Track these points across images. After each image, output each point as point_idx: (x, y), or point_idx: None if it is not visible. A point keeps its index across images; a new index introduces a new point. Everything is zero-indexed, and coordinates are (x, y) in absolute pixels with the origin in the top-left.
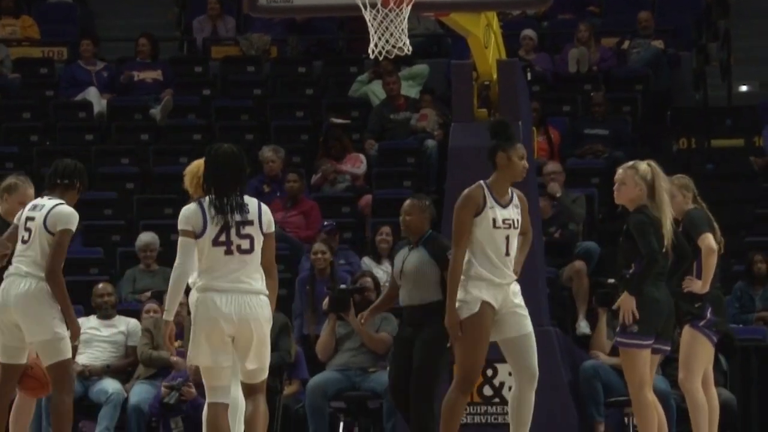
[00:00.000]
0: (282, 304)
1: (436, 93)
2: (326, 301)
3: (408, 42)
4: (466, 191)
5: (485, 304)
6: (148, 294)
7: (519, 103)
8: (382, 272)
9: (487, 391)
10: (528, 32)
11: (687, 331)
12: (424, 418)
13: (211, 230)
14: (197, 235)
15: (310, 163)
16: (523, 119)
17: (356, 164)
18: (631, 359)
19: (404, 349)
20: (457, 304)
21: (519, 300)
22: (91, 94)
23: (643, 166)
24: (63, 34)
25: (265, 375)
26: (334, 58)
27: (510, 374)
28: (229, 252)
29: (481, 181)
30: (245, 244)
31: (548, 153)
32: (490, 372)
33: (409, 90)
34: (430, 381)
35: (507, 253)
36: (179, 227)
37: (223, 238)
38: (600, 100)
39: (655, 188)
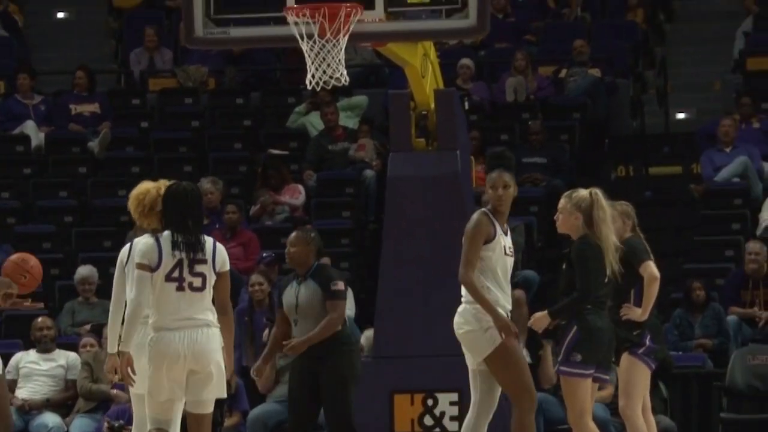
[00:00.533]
0: None
1: (374, 123)
2: (266, 332)
3: (345, 72)
4: (474, 216)
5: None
6: (87, 327)
7: (457, 132)
8: None
9: (428, 420)
10: (465, 61)
11: (626, 358)
12: None
13: (166, 265)
14: (152, 269)
15: (249, 195)
16: (461, 148)
17: (295, 195)
18: (572, 388)
19: (304, 383)
20: (485, 333)
21: None
22: (29, 127)
23: (578, 194)
24: None
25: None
26: (272, 89)
27: (451, 404)
28: (180, 288)
29: (483, 209)
30: (197, 281)
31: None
32: (430, 402)
33: (347, 120)
34: (348, 411)
35: (509, 281)
36: (136, 260)
37: (176, 274)
38: (538, 128)
39: (592, 217)
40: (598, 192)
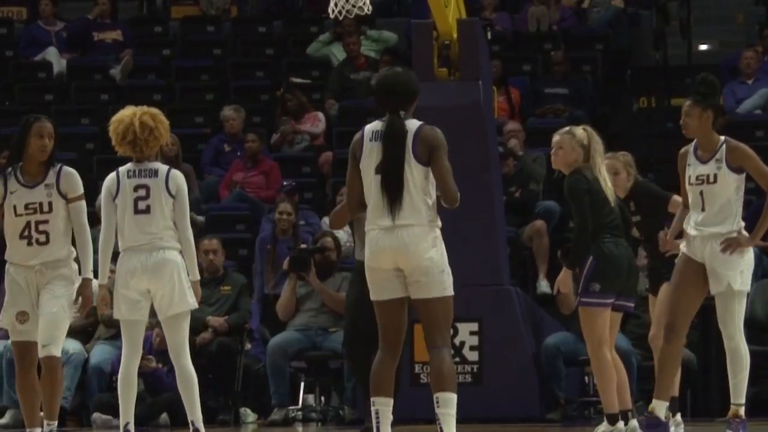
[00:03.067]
0: (242, 265)
1: (397, 53)
2: (287, 261)
3: (368, 2)
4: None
5: None
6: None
7: (479, 62)
8: (342, 232)
9: None
10: None
11: (665, 288)
12: None
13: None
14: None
15: (270, 123)
16: (483, 79)
17: (315, 123)
18: (591, 318)
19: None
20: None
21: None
22: (51, 54)
23: (579, 131)
24: None
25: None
26: (295, 17)
27: (471, 333)
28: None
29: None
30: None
31: (509, 112)
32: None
33: (370, 50)
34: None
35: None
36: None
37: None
38: (560, 59)
39: (590, 152)
40: (589, 128)
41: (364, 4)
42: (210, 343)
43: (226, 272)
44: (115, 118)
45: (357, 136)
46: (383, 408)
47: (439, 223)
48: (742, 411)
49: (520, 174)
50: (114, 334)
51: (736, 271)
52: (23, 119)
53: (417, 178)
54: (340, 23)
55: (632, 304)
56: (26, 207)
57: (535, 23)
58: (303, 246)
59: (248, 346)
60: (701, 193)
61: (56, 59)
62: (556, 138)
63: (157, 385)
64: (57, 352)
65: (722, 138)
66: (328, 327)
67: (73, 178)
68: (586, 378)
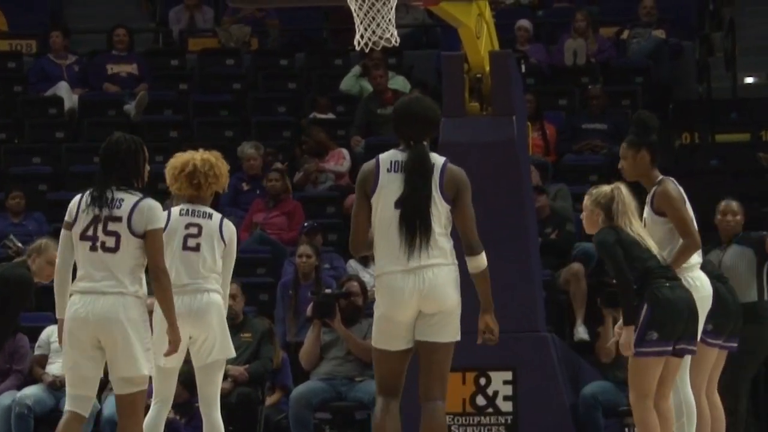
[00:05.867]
0: (263, 311)
1: (426, 86)
2: (310, 306)
3: (396, 33)
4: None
5: None
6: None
7: (513, 96)
8: (369, 276)
9: (480, 400)
10: (522, 22)
11: None
12: None
13: (81, 223)
14: (71, 227)
15: (293, 161)
16: (517, 114)
17: (339, 161)
18: (643, 368)
19: None
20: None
21: None
22: (62, 89)
23: (599, 190)
24: (32, 26)
25: (137, 389)
26: (318, 49)
27: (504, 383)
28: (94, 249)
29: None
30: (110, 241)
31: (543, 149)
32: (483, 380)
33: (398, 84)
34: None
35: None
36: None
37: (90, 232)
38: (598, 93)
39: (611, 211)
40: (621, 186)
41: (391, 35)
42: (230, 393)
43: (246, 318)
44: (171, 160)
45: (368, 166)
46: None
47: (457, 261)
48: None
49: (555, 215)
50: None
51: None
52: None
53: (442, 215)
54: (366, 55)
55: (695, 347)
56: None
57: (572, 55)
58: (327, 291)
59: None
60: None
61: (67, 94)
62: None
63: None
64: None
65: (659, 179)
66: (354, 376)
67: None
68: (627, 430)
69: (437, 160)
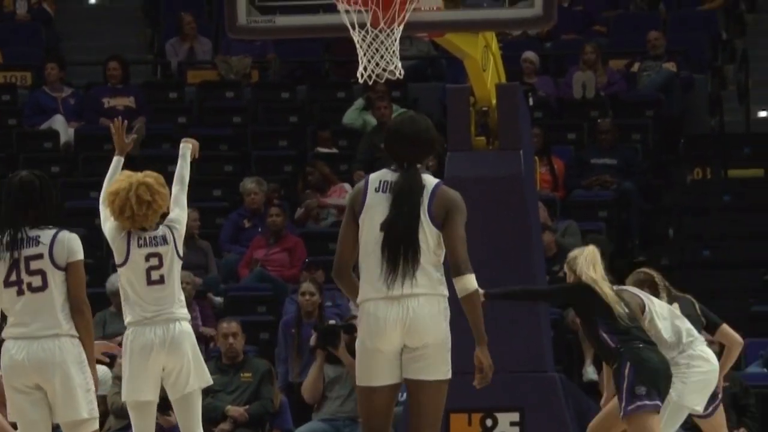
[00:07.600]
0: (264, 350)
1: (431, 119)
2: (314, 336)
3: (400, 65)
4: None
5: None
6: (119, 339)
7: (520, 130)
8: None
9: None
10: (529, 54)
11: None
12: None
13: (1, 270)
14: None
15: (295, 196)
16: (524, 148)
17: (342, 196)
18: (643, 423)
19: None
20: None
21: None
22: (58, 122)
23: (571, 253)
24: (27, 58)
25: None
26: (320, 82)
27: (511, 424)
28: (20, 292)
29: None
30: (36, 281)
31: (552, 184)
32: (489, 422)
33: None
34: None
35: None
36: None
37: (13, 277)
38: (607, 127)
39: (576, 274)
40: (589, 247)
41: (395, 67)
42: None
43: (247, 358)
44: (110, 189)
45: (358, 185)
46: None
47: (447, 292)
48: None
49: (563, 252)
50: (126, 425)
51: None
52: None
53: (430, 241)
54: (370, 88)
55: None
56: None
57: (581, 88)
58: (332, 321)
59: None
60: None
61: (63, 128)
62: None
63: None
64: None
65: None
66: (356, 417)
67: None
68: None
69: (429, 181)
